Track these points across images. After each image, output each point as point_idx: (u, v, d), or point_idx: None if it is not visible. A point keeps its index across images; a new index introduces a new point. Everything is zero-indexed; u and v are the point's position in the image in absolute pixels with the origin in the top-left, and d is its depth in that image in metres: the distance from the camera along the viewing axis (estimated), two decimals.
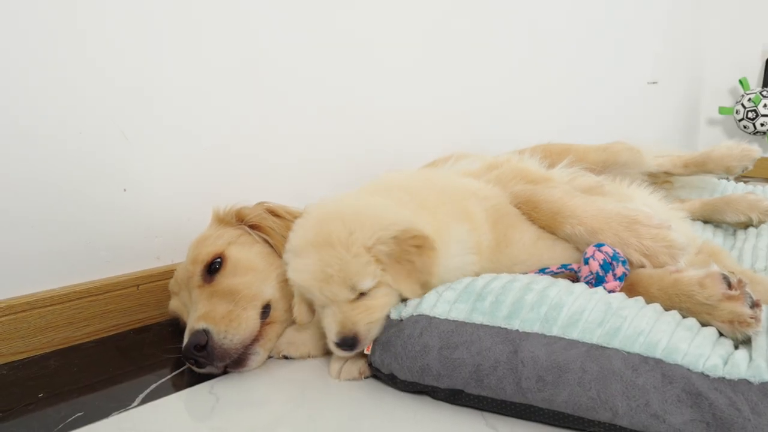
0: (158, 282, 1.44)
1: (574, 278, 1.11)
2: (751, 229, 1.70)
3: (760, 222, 1.71)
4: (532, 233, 1.18)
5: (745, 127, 3.74)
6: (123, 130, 1.39)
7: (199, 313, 1.17)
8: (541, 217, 1.19)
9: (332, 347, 1.07)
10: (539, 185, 1.26)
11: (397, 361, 1.03)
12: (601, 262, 1.05)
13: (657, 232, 1.12)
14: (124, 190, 1.41)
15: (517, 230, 1.17)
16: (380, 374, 1.08)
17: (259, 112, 1.67)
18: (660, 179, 1.90)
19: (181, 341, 1.24)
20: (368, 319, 1.05)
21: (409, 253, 1.02)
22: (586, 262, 1.07)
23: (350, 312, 1.04)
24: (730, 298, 0.96)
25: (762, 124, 3.65)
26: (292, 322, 1.24)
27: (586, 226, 1.14)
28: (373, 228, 1.02)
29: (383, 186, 1.20)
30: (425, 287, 1.07)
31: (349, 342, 1.04)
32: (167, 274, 1.39)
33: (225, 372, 1.17)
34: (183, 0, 1.47)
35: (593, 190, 1.30)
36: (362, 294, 1.04)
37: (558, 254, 1.16)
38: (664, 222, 1.13)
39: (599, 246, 1.07)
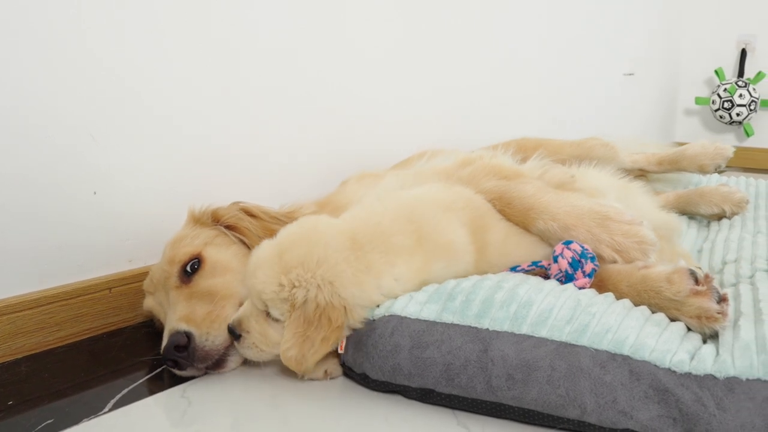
0: (131, 285, 1.42)
1: (546, 275, 1.12)
2: (725, 221, 1.72)
3: (733, 214, 1.74)
4: (501, 231, 1.18)
5: (721, 117, 3.77)
6: (92, 133, 1.37)
7: (178, 315, 1.16)
8: (515, 213, 1.20)
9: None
10: (512, 181, 1.26)
11: (368, 360, 1.03)
12: (570, 260, 1.05)
13: (628, 228, 1.12)
14: (94, 193, 1.39)
15: (490, 232, 1.17)
16: (353, 373, 1.08)
17: (232, 114, 1.66)
18: (634, 173, 1.92)
19: (156, 344, 1.23)
20: (256, 341, 1.08)
21: (316, 325, 1.01)
22: (556, 260, 1.07)
23: (253, 320, 1.08)
24: (697, 293, 0.97)
25: (738, 114, 3.69)
26: None
27: (560, 222, 1.15)
28: (316, 278, 1.02)
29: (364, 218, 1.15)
30: (299, 361, 1.01)
31: (233, 334, 1.10)
32: (140, 276, 1.38)
33: (205, 374, 1.16)
34: None
35: (565, 185, 1.31)
36: (269, 314, 1.06)
37: (524, 250, 1.16)
38: (636, 218, 1.14)
39: (568, 243, 1.08)
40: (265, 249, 1.08)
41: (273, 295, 1.03)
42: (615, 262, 1.11)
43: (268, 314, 1.07)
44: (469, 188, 1.24)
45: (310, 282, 1.02)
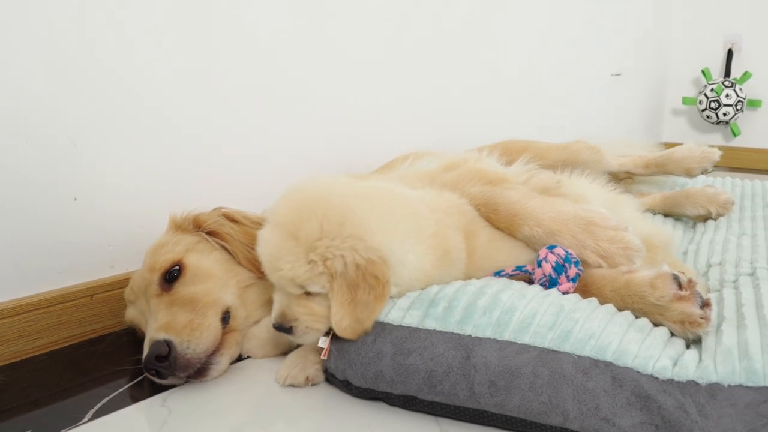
0: (112, 291, 1.40)
1: (530, 280, 1.11)
2: (710, 222, 1.72)
3: (719, 215, 1.74)
4: (486, 237, 1.17)
5: (708, 116, 3.78)
6: (72, 138, 1.35)
7: (159, 323, 1.15)
8: (500, 219, 1.19)
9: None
10: (497, 186, 1.26)
11: (351, 367, 1.02)
12: (554, 265, 1.05)
13: (614, 234, 1.12)
14: (75, 199, 1.37)
15: (477, 238, 1.17)
16: (335, 380, 1.08)
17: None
18: (621, 176, 1.92)
19: (137, 352, 1.21)
20: (308, 323, 1.03)
21: (363, 286, 0.98)
22: (539, 265, 1.07)
23: (294, 306, 1.03)
24: (680, 298, 0.96)
25: (724, 114, 3.70)
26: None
27: (545, 227, 1.14)
28: (345, 241, 0.98)
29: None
30: (355, 328, 0.99)
31: (284, 330, 1.04)
32: (122, 283, 1.36)
33: (186, 382, 1.15)
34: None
35: (550, 190, 1.30)
36: (309, 293, 1.02)
37: (505, 256, 1.16)
38: (621, 224, 1.13)
39: (551, 248, 1.07)
40: (273, 238, 1.02)
41: (307, 275, 0.98)
42: (600, 267, 1.10)
43: (307, 293, 1.02)
44: (454, 193, 1.24)
45: (341, 248, 0.97)
